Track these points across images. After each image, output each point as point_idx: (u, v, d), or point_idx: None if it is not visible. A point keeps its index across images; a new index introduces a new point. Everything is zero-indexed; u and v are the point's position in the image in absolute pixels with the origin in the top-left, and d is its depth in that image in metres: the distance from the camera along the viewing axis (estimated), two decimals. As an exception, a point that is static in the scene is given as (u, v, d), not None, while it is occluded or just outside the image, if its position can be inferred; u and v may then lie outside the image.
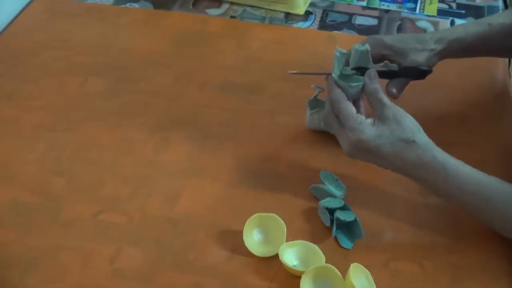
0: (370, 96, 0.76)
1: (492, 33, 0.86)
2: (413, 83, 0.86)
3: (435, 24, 1.12)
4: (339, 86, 0.78)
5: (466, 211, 0.75)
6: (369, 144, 0.72)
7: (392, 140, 0.72)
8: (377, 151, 0.73)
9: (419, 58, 0.83)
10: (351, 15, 1.15)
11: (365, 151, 0.74)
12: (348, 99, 0.77)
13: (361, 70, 0.79)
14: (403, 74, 0.84)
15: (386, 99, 0.74)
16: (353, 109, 0.75)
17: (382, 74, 0.81)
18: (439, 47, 0.84)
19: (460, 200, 0.73)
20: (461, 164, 0.73)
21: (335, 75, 0.79)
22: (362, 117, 0.74)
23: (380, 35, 0.84)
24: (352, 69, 0.79)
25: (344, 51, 0.79)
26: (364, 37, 0.88)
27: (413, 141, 0.72)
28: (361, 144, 0.73)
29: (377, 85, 0.76)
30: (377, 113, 0.74)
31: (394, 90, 0.84)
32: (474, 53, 0.90)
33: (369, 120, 0.74)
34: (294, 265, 0.74)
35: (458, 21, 1.13)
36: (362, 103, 0.80)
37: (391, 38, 0.85)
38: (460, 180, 0.72)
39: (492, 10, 1.16)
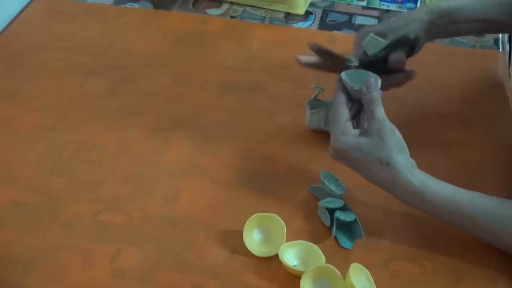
0: (365, 105, 0.75)
1: (482, 5, 0.85)
2: (412, 83, 0.86)
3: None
4: (345, 86, 0.77)
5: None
6: (346, 153, 0.73)
7: (368, 156, 0.72)
8: (354, 162, 0.73)
9: (407, 30, 0.82)
10: (351, 15, 1.15)
11: (343, 159, 0.74)
12: (355, 99, 0.77)
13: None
14: (395, 47, 0.82)
15: (378, 112, 0.73)
16: (344, 115, 0.74)
17: (377, 60, 0.81)
18: (431, 17, 0.82)
19: (441, 219, 0.74)
20: (440, 185, 0.72)
21: (345, 75, 0.77)
22: (348, 126, 0.74)
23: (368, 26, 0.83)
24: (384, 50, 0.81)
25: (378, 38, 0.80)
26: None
27: (388, 163, 0.71)
28: (339, 151, 0.74)
29: (374, 95, 0.74)
30: (365, 125, 0.74)
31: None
32: (465, 30, 0.87)
33: (354, 131, 0.73)
34: (294, 265, 0.74)
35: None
36: None
37: (379, 25, 0.83)
38: (438, 202, 0.71)
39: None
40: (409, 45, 0.82)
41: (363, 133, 0.73)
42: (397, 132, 0.73)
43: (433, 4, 0.84)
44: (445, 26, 0.84)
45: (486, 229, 0.72)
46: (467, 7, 0.84)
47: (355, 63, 0.82)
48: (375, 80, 0.75)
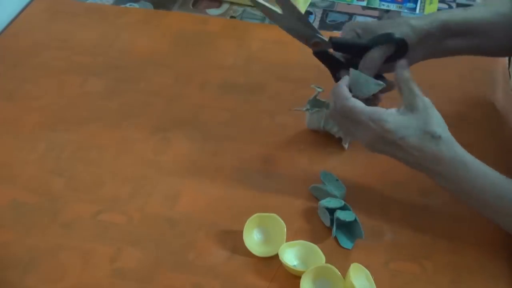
0: (402, 83, 0.73)
1: (476, 21, 0.83)
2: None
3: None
4: (359, 81, 0.75)
5: (477, 210, 0.74)
6: (395, 134, 0.71)
7: (418, 132, 0.71)
8: (401, 142, 0.71)
9: (395, 30, 0.78)
10: (351, 15, 1.15)
11: (388, 143, 0.72)
12: (364, 96, 0.76)
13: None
14: (375, 44, 0.78)
15: (418, 90, 0.73)
16: (362, 103, 0.73)
17: (349, 48, 0.79)
18: (419, 23, 0.79)
19: (475, 198, 0.73)
20: (478, 161, 0.72)
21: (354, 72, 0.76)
22: (382, 108, 0.72)
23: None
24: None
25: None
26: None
27: (439, 137, 0.71)
28: (386, 135, 0.71)
29: (407, 74, 0.74)
30: (406, 102, 0.72)
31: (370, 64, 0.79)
32: (462, 46, 0.84)
33: (393, 110, 0.72)
34: (294, 265, 0.74)
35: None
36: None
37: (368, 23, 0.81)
38: (477, 177, 0.71)
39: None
40: (394, 45, 0.78)
41: (406, 109, 0.72)
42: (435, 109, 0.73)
43: (432, 14, 0.83)
44: (442, 38, 0.82)
45: (510, 213, 0.71)
46: (467, 20, 0.83)
47: (324, 39, 0.79)
48: (405, 62, 0.74)
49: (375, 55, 0.79)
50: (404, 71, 0.74)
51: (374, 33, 0.79)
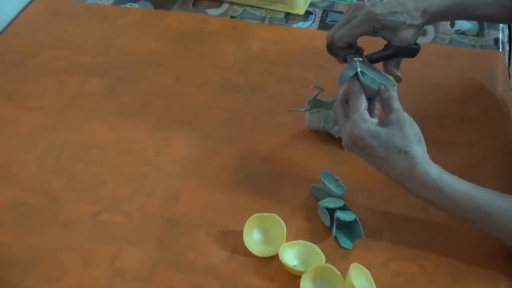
0: (383, 101, 0.75)
1: (471, 1, 0.85)
2: (412, 83, 0.86)
3: (434, 24, 1.12)
4: (359, 79, 0.76)
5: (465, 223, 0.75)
6: (363, 141, 0.72)
7: (387, 145, 0.71)
8: (370, 151, 0.72)
9: (408, 35, 0.81)
10: (351, 15, 1.15)
11: (360, 148, 0.73)
12: (366, 95, 0.76)
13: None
14: (398, 54, 0.83)
15: (396, 104, 0.74)
16: (363, 104, 0.74)
17: (381, 58, 0.82)
18: (423, 21, 0.82)
19: (457, 215, 0.73)
20: (457, 180, 0.72)
21: (360, 71, 0.76)
22: (366, 114, 0.73)
23: (370, 7, 0.82)
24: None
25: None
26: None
27: (405, 152, 0.71)
28: (355, 139, 0.73)
29: (393, 93, 0.75)
30: (385, 117, 0.74)
31: (398, 73, 0.83)
32: (455, 18, 0.93)
33: (373, 120, 0.73)
34: (294, 265, 0.74)
35: (458, 21, 1.12)
36: (379, 105, 0.78)
37: (382, 10, 0.81)
38: (456, 196, 0.71)
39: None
40: (412, 51, 0.83)
41: (382, 124, 0.73)
42: (415, 124, 0.73)
43: (424, 4, 0.82)
44: (435, 22, 0.88)
45: (504, 227, 0.71)
46: (459, 7, 0.84)
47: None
48: (394, 83, 0.76)
49: (398, 61, 0.85)
50: (387, 90, 0.75)
51: (391, 31, 0.82)
